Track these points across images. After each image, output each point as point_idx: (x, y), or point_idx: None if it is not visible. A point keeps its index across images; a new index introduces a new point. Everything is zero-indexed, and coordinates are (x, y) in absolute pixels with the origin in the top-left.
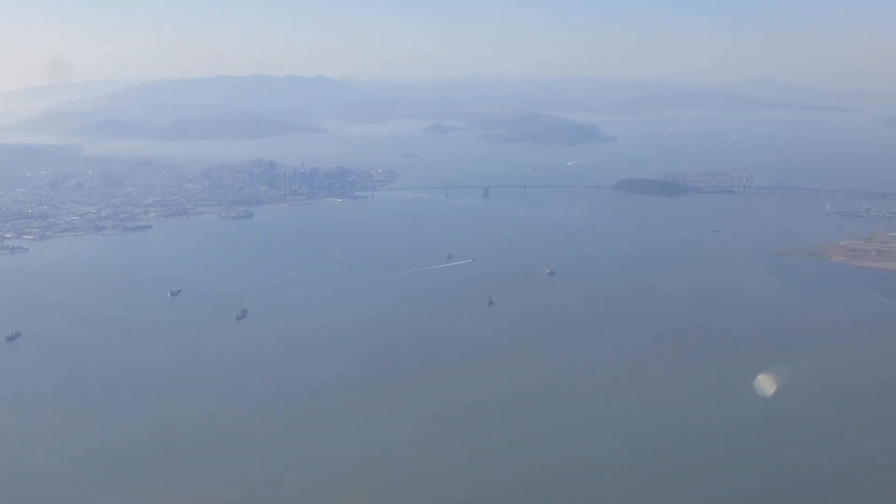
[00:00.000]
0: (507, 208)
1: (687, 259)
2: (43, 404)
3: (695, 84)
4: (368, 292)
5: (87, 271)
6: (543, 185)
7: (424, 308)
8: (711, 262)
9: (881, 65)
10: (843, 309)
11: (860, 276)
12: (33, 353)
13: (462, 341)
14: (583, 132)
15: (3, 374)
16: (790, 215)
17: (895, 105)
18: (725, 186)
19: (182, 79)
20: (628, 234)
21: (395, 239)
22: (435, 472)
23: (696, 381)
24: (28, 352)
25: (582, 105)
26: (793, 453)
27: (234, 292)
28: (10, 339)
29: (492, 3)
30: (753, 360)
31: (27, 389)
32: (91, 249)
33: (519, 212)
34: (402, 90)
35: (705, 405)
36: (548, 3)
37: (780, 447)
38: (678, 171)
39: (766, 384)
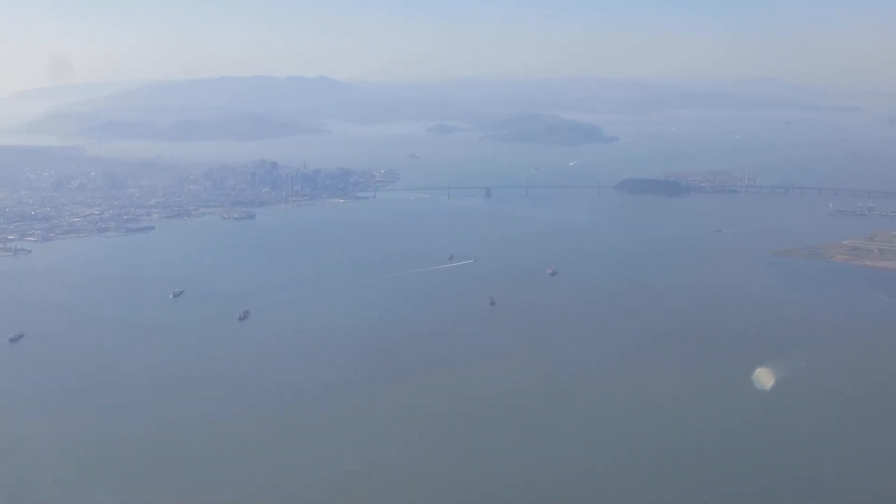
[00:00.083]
0: (509, 208)
1: (688, 259)
2: (45, 405)
3: (695, 84)
4: (370, 293)
5: (89, 273)
6: (545, 185)
7: (426, 308)
8: (713, 261)
9: (882, 64)
10: (844, 308)
11: (862, 275)
12: (36, 354)
13: (464, 342)
14: (584, 132)
15: (5, 375)
16: (792, 215)
17: None
18: (727, 186)
19: (185, 80)
20: (630, 234)
21: (396, 239)
22: (436, 472)
23: (696, 381)
24: (31, 353)
25: (583, 105)
26: (793, 453)
27: (236, 293)
28: (13, 340)
29: (492, 3)
30: (754, 359)
31: (29, 391)
32: (94, 251)
33: (521, 212)
34: (406, 91)
35: (706, 405)
36: (548, 3)
37: (780, 447)
38: (680, 171)
39: (764, 378)
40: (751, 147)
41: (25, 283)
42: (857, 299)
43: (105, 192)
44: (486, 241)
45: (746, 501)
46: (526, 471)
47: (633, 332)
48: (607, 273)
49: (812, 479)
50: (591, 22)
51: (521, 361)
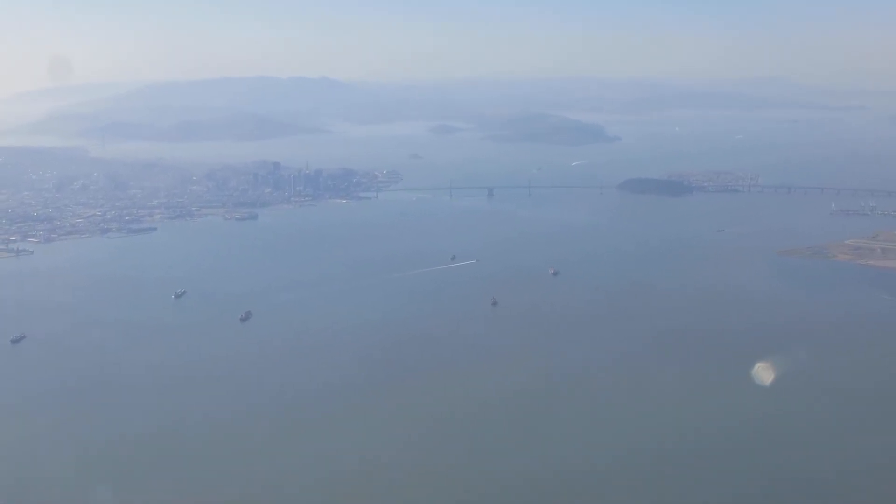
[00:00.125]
0: (512, 209)
1: (690, 259)
2: (47, 406)
3: (697, 84)
4: (372, 293)
5: (91, 274)
6: (548, 185)
7: (428, 309)
8: (715, 261)
9: (883, 64)
10: (846, 308)
11: (865, 274)
12: (37, 355)
13: (466, 342)
14: (587, 132)
15: (6, 375)
16: (795, 214)
17: None
18: (730, 186)
19: (187, 81)
20: (632, 234)
21: (399, 240)
22: (437, 472)
23: (697, 381)
24: (32, 354)
25: (585, 105)
26: (793, 453)
27: (238, 294)
28: (15, 341)
29: (493, 3)
30: (755, 359)
31: (31, 392)
32: (96, 252)
33: (523, 212)
34: (408, 91)
35: (706, 405)
36: (548, 3)
37: (780, 447)
38: (683, 171)
39: (763, 373)
40: (752, 147)
41: (27, 284)
42: (858, 299)
43: (107, 192)
44: (489, 241)
45: (746, 501)
46: (526, 471)
47: (635, 332)
48: (609, 273)
49: (812, 479)
50: (591, 21)
51: (523, 362)
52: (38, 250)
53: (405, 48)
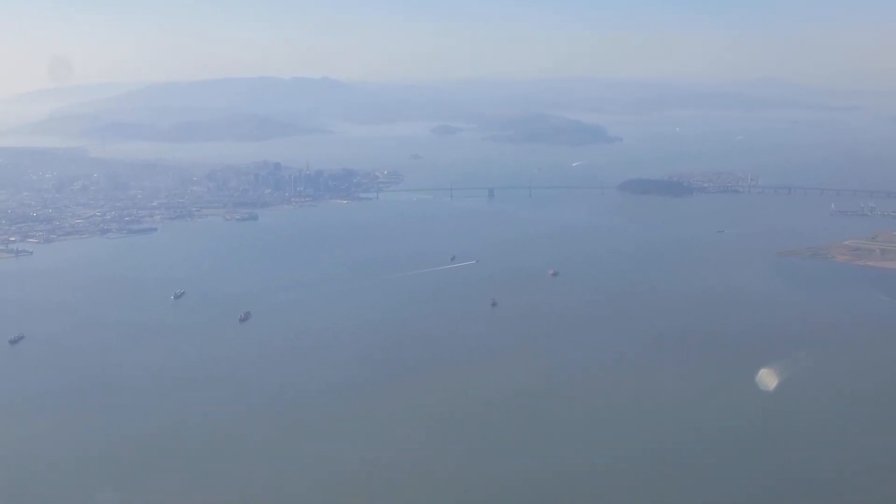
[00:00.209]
0: (512, 209)
1: (690, 260)
2: (46, 407)
3: (697, 84)
4: (372, 294)
5: (90, 274)
6: (548, 185)
7: (428, 310)
8: (715, 262)
9: (883, 64)
10: (845, 309)
11: (864, 275)
12: (36, 356)
13: (465, 343)
14: (588, 133)
15: (4, 376)
16: (795, 215)
17: None
18: (730, 186)
19: (188, 81)
20: (632, 234)
21: (399, 240)
22: (437, 472)
23: (697, 382)
24: (31, 355)
25: (586, 105)
26: (794, 453)
27: (237, 294)
28: (13, 342)
29: (493, 3)
30: (755, 360)
31: (30, 392)
32: (95, 252)
33: (523, 213)
34: (409, 91)
35: (707, 405)
36: (549, 3)
37: (780, 447)
38: (683, 172)
39: (767, 379)
40: (753, 147)
41: (26, 284)
42: (857, 300)
43: (107, 193)
44: (489, 242)
45: (746, 501)
46: (526, 471)
47: (635, 332)
48: (609, 274)
49: (812, 479)
50: (592, 22)
51: (522, 362)
52: (37, 251)
53: (406, 48)
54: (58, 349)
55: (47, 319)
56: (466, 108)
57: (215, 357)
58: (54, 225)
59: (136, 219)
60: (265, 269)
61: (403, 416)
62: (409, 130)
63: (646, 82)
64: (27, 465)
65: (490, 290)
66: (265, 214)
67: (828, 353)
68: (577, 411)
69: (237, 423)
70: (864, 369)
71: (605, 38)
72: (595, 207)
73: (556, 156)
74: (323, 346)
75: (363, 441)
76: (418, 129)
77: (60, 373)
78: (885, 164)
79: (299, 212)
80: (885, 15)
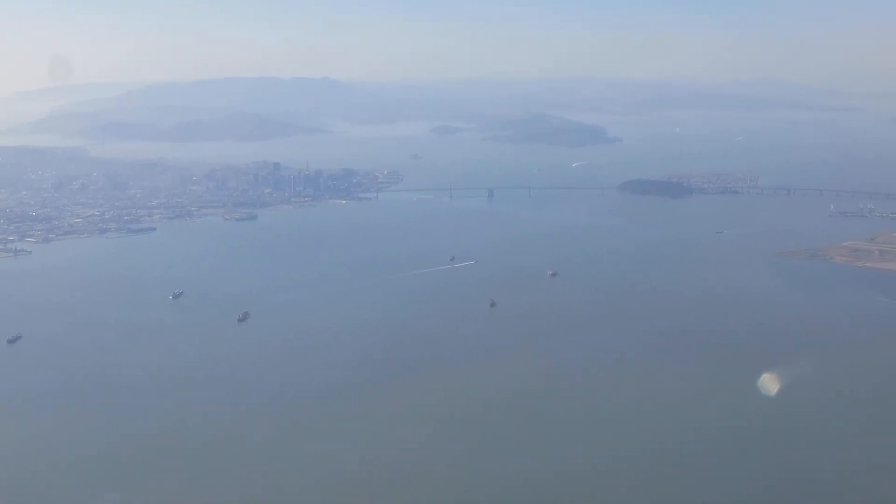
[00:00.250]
0: (511, 210)
1: (689, 260)
2: (44, 407)
3: (698, 84)
4: (371, 294)
5: (89, 274)
6: (548, 186)
7: (427, 310)
8: (714, 263)
9: (883, 64)
10: (844, 310)
11: (863, 276)
12: (34, 355)
13: (464, 343)
14: (588, 133)
15: (3, 376)
16: (794, 216)
17: None
18: (730, 187)
19: (188, 81)
20: (631, 235)
21: (398, 240)
22: (437, 472)
23: (697, 382)
24: (29, 354)
25: (586, 106)
26: (793, 454)
27: (236, 294)
28: (11, 341)
29: (493, 3)
30: (755, 360)
31: (28, 392)
32: (94, 252)
33: (523, 213)
34: (409, 91)
35: (706, 406)
36: (549, 3)
37: (780, 448)
38: (683, 172)
39: (769, 383)
40: (752, 148)
41: (25, 284)
42: (856, 301)
43: (106, 192)
44: (488, 242)
45: (746, 502)
46: (526, 471)
47: (634, 333)
48: (608, 274)
49: (812, 479)
50: (592, 22)
51: (522, 362)
52: (36, 250)
53: (406, 48)
54: (56, 349)
55: (45, 319)
56: (466, 109)
57: (214, 357)
58: (53, 224)
59: (135, 218)
60: (264, 268)
61: (403, 416)
62: (409, 130)
63: (646, 83)
64: (26, 465)
65: (489, 291)
66: (264, 214)
67: (827, 353)
68: (577, 411)
69: (237, 422)
70: (864, 370)
71: (605, 38)
72: (594, 208)
73: (555, 156)
74: (322, 346)
75: (363, 441)
76: (418, 130)
77: (59, 372)
78: (884, 164)
79: (299, 212)
80: (885, 15)
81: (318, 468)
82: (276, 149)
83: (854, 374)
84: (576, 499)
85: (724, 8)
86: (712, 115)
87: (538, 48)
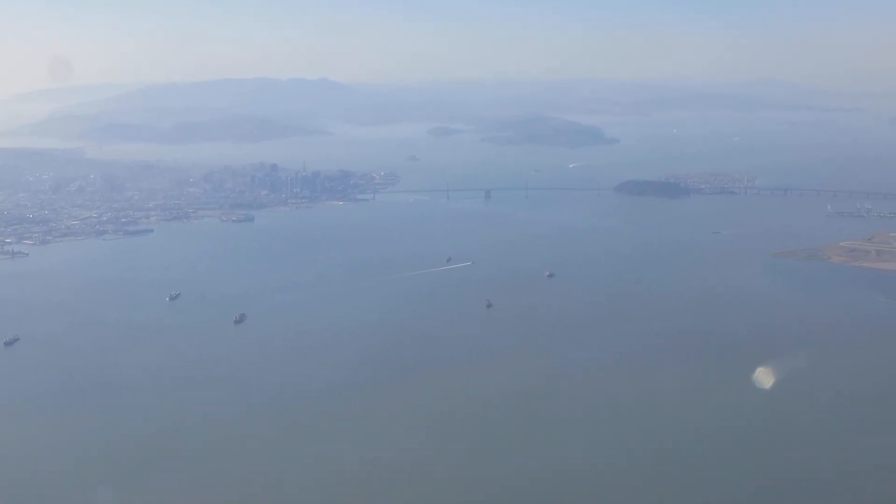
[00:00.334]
0: (508, 211)
1: (687, 261)
2: (42, 408)
3: (696, 85)
4: (368, 295)
5: (86, 276)
6: (545, 187)
7: (424, 311)
8: (711, 263)
9: (882, 64)
10: (842, 310)
11: (860, 276)
12: (32, 357)
13: (460, 344)
14: (586, 134)
15: (2, 378)
16: (791, 216)
17: None
18: (727, 188)
19: (187, 82)
20: (628, 236)
21: (395, 242)
22: (435, 472)
23: (695, 383)
24: (26, 356)
25: (584, 107)
26: (793, 454)
27: (233, 296)
28: (9, 343)
29: (493, 4)
30: (754, 360)
31: (26, 394)
32: (91, 254)
33: (520, 214)
34: (407, 93)
35: (706, 406)
36: (548, 4)
37: (780, 448)
38: (680, 173)
39: (763, 377)
40: (750, 148)
41: (22, 286)
42: (854, 301)
43: (104, 194)
44: (485, 243)
45: (746, 501)
46: (526, 471)
47: (633, 333)
48: (606, 275)
49: (812, 479)
50: (591, 23)
51: (521, 363)
52: (33, 252)
53: (405, 49)
54: (52, 350)
55: (43, 320)
56: (465, 110)
57: (213, 357)
58: (50, 226)
59: (132, 220)
60: (261, 270)
61: (403, 416)
62: (407, 132)
63: (645, 83)
64: (26, 466)
65: (485, 292)
66: (261, 216)
67: (825, 353)
68: (576, 411)
69: (236, 423)
70: (862, 370)
71: (604, 38)
72: (591, 209)
73: (553, 157)
74: (320, 347)
75: (363, 441)
76: (416, 131)
77: (57, 373)
78: (883, 165)
79: (295, 213)
80: (885, 15)
81: (318, 468)
82: (274, 150)
83: (852, 374)
84: (576, 499)
85: (724, 8)
86: (712, 116)
87: (538, 49)
